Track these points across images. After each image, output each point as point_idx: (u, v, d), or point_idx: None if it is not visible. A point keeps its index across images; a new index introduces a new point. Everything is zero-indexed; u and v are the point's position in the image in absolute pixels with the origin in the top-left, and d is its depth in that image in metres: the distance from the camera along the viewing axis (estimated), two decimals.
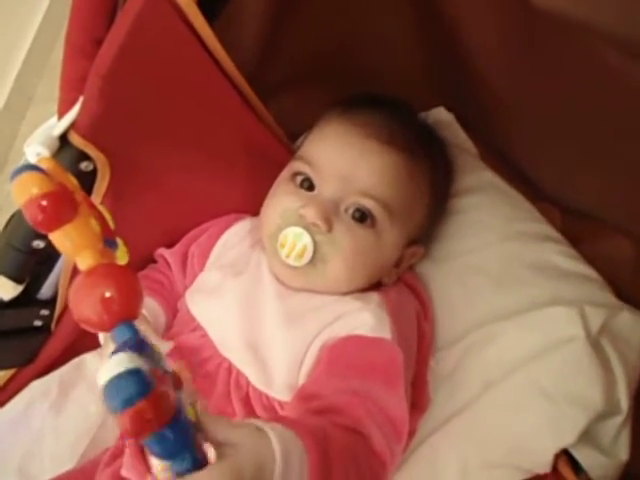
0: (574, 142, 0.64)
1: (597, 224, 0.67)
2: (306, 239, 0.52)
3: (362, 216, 0.54)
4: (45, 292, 0.58)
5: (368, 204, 0.54)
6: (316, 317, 0.53)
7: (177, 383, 0.32)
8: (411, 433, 0.56)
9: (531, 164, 0.71)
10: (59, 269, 0.56)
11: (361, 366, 0.49)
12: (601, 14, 0.34)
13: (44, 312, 0.58)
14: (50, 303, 0.58)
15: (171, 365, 0.33)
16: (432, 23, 0.63)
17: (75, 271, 0.35)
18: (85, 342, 0.59)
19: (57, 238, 0.34)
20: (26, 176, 0.32)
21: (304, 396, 0.49)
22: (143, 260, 0.65)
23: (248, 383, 0.52)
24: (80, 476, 0.53)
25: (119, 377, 0.28)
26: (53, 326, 0.60)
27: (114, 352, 0.30)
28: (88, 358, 0.59)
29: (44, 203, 0.32)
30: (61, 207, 0.33)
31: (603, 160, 0.63)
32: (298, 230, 0.52)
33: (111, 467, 0.51)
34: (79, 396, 0.58)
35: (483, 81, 0.65)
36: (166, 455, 0.30)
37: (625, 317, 0.59)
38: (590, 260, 0.64)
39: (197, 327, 0.56)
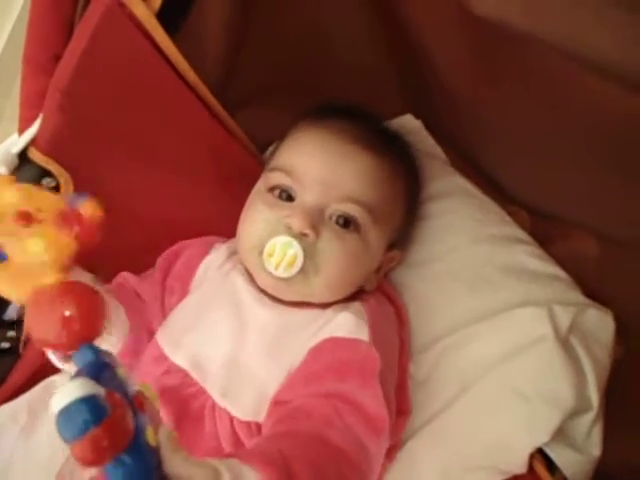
0: (540, 146, 0.65)
1: (564, 225, 0.69)
2: (295, 247, 0.51)
3: (346, 221, 0.54)
4: (11, 313, 0.56)
5: (351, 208, 0.54)
6: (300, 338, 0.52)
7: (139, 405, 0.31)
8: (397, 442, 0.56)
9: (499, 168, 0.73)
10: None
11: (335, 366, 0.49)
12: (547, 26, 0.35)
13: (11, 334, 0.57)
14: (17, 324, 0.57)
15: (135, 386, 0.33)
16: (398, 34, 0.64)
17: None
18: (54, 364, 0.57)
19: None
20: None
21: (278, 400, 0.48)
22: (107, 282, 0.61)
23: (232, 419, 0.50)
24: None
25: (71, 405, 0.27)
26: (21, 348, 0.58)
27: (73, 377, 0.29)
28: (57, 380, 0.58)
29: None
30: None
31: (568, 163, 0.64)
32: (286, 239, 0.51)
33: None
34: (49, 419, 0.56)
35: (448, 88, 0.66)
36: None
37: (593, 314, 0.60)
38: (558, 260, 0.65)
39: (172, 367, 0.54)
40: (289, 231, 0.52)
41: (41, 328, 0.34)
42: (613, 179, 0.60)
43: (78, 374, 0.30)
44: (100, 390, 0.29)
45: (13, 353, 0.58)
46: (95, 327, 0.34)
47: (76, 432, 0.27)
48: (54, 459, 0.55)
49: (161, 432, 0.32)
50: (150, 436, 0.30)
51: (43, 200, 0.39)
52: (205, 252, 0.62)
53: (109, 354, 0.34)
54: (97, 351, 0.32)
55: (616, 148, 0.55)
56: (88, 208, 0.38)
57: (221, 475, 0.33)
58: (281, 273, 0.52)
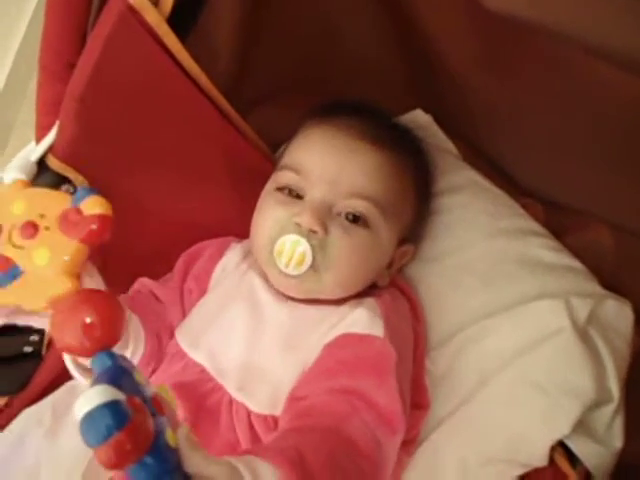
0: (552, 138, 0.65)
1: (579, 216, 0.68)
2: (304, 245, 0.52)
3: (356, 217, 0.54)
4: None
5: (360, 204, 0.54)
6: (314, 334, 0.53)
7: (158, 408, 0.32)
8: (415, 437, 0.56)
9: (511, 161, 0.72)
10: None
11: (351, 362, 0.49)
12: (553, 16, 0.35)
13: (34, 338, 0.58)
14: (39, 328, 0.58)
15: (152, 389, 0.33)
16: (407, 28, 0.64)
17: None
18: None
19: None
20: None
21: (294, 396, 0.49)
22: (125, 286, 0.62)
23: (249, 413, 0.51)
24: None
25: (94, 412, 0.28)
26: (44, 352, 0.59)
27: (93, 383, 0.30)
28: (80, 383, 0.59)
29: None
30: None
31: (581, 154, 0.64)
32: (294, 237, 0.52)
33: None
34: (73, 422, 0.56)
35: (459, 82, 0.66)
36: None
37: (611, 305, 0.60)
38: (574, 251, 0.65)
39: (189, 363, 0.54)
40: (298, 229, 0.52)
41: (63, 335, 0.34)
42: (625, 170, 0.59)
43: (98, 380, 0.31)
44: (121, 395, 0.29)
45: (36, 357, 0.59)
46: (115, 333, 0.35)
47: (100, 437, 0.28)
48: (79, 460, 0.55)
49: (180, 432, 0.32)
50: (170, 437, 0.31)
51: (47, 203, 0.39)
52: (222, 252, 0.63)
53: (125, 359, 0.35)
54: (115, 357, 0.33)
55: (627, 137, 0.55)
56: (91, 205, 0.38)
57: (239, 472, 0.33)
58: (291, 271, 0.52)
